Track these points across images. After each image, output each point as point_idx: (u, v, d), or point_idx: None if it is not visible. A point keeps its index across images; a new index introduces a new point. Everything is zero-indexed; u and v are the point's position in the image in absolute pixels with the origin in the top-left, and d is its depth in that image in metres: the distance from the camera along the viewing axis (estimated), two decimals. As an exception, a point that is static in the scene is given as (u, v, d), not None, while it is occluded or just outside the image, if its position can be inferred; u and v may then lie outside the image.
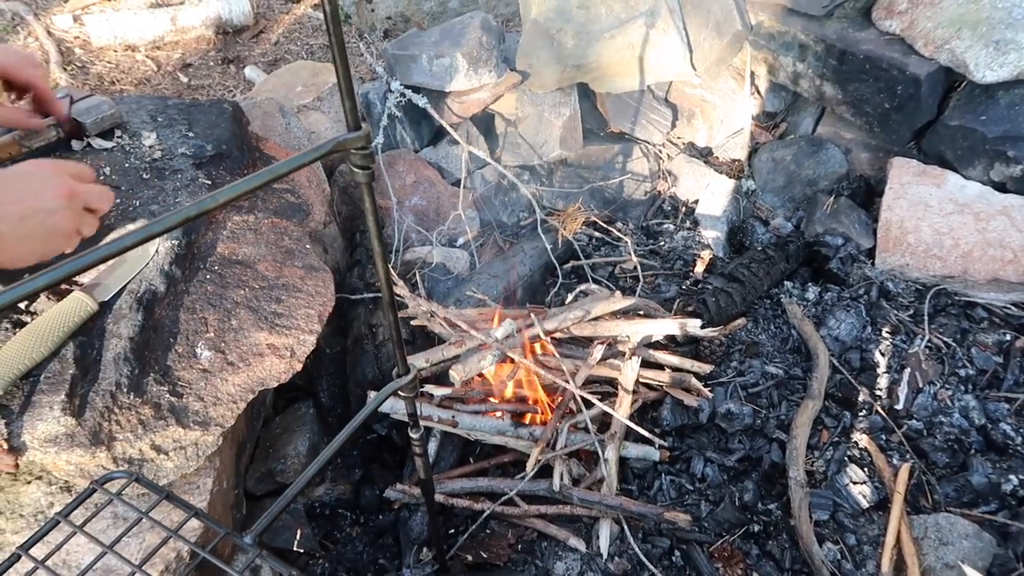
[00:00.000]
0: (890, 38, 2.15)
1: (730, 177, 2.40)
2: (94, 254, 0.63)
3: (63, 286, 1.38)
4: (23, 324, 1.32)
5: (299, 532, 1.56)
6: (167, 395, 1.34)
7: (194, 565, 0.91)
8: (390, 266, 1.75)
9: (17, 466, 1.24)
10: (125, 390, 1.30)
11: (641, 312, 1.77)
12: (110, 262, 1.42)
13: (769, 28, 2.34)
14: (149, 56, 3.14)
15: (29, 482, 1.28)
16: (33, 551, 0.86)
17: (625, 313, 1.75)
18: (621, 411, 1.58)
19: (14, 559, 0.88)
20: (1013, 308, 1.95)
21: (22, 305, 1.34)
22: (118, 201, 1.54)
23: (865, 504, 1.59)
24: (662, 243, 2.25)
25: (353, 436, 1.76)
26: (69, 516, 0.93)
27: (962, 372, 1.83)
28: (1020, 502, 1.60)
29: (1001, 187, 2.03)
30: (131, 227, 1.49)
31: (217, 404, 1.36)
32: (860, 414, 1.74)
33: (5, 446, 1.21)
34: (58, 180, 0.97)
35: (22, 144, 1.40)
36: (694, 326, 1.66)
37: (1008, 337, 1.89)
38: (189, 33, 3.22)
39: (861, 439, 1.69)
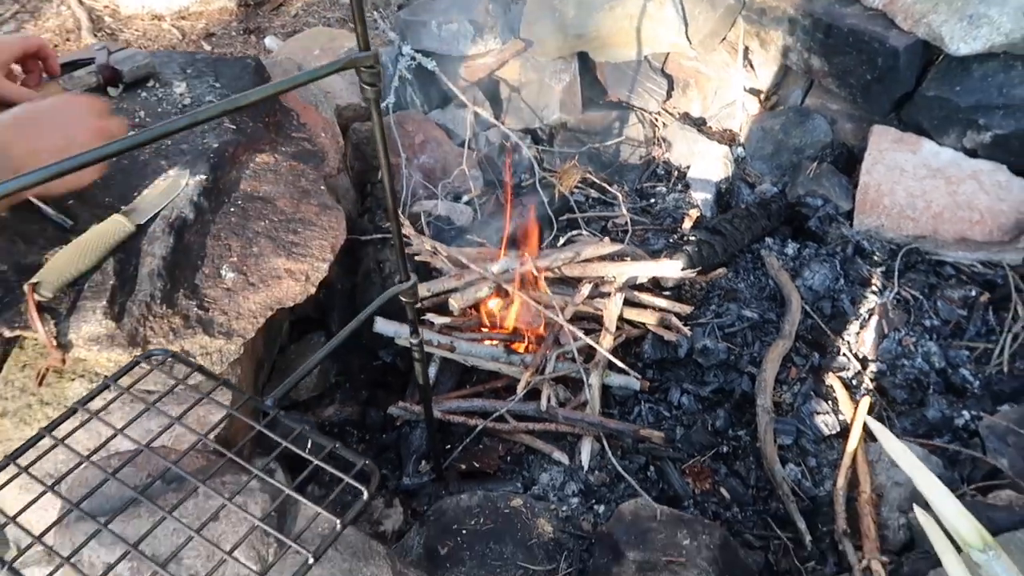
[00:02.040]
0: (873, 13, 2.28)
1: (721, 144, 2.54)
2: (149, 132, 0.78)
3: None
4: (68, 241, 1.48)
5: (310, 445, 1.72)
6: (195, 308, 1.50)
7: (222, 422, 1.07)
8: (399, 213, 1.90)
9: (64, 361, 1.40)
10: (158, 301, 1.46)
11: (628, 257, 1.92)
12: (146, 190, 1.59)
13: (761, 3, 2.47)
14: (174, 25, 3.31)
15: (73, 379, 1.44)
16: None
17: (613, 258, 1.90)
18: (604, 343, 1.73)
19: (71, 412, 1.04)
20: (979, 266, 2.09)
21: (68, 225, 1.51)
22: (152, 140, 1.70)
23: (827, 432, 1.73)
24: (654, 202, 2.40)
25: (360, 362, 1.92)
26: (117, 381, 1.09)
27: (927, 323, 1.97)
28: (971, 435, 1.74)
29: (972, 153, 2.16)
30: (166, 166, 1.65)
31: (239, 318, 1.52)
32: (828, 355, 1.88)
33: (54, 343, 1.37)
34: (89, 119, 1.07)
35: (65, 88, 1.55)
36: (674, 268, 1.80)
37: (973, 293, 2.02)
38: (212, 4, 3.38)
39: (827, 376, 1.83)
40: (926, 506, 0.97)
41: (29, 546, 0.89)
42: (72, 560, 0.87)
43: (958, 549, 0.95)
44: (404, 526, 1.60)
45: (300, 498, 0.91)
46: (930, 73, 2.25)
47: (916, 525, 1.51)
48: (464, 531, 1.48)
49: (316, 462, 0.97)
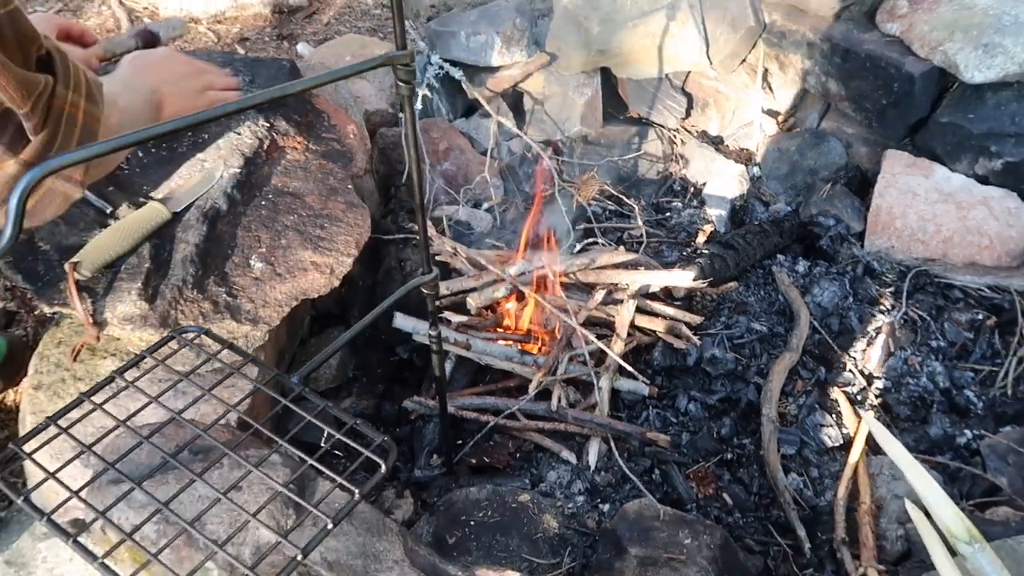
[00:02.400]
0: (890, 40, 2.34)
1: (738, 163, 2.59)
2: (201, 115, 0.85)
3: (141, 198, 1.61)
4: (107, 225, 1.56)
5: (327, 434, 1.78)
6: (224, 295, 1.56)
7: (251, 395, 1.12)
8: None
9: (99, 338, 1.47)
10: (190, 286, 1.53)
11: (641, 266, 1.97)
12: (182, 180, 1.66)
13: (781, 27, 2.53)
14: (210, 29, 3.41)
15: (105, 357, 1.51)
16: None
17: (627, 266, 1.95)
18: (615, 348, 1.78)
19: (109, 380, 1.10)
20: (987, 290, 2.12)
21: (108, 210, 1.58)
22: (190, 135, 1.78)
23: (830, 444, 1.77)
24: (670, 216, 2.45)
25: (378, 357, 1.98)
26: (153, 354, 1.15)
27: (933, 343, 2.00)
28: (972, 454, 1.77)
29: (983, 180, 2.20)
30: (202, 155, 1.73)
31: (266, 306, 1.58)
32: (834, 370, 1.92)
33: (91, 320, 1.44)
34: (183, 58, 1.35)
35: (107, 51, 1.60)
36: (686, 278, 1.85)
37: (980, 316, 2.05)
38: (248, 10, 3.49)
39: (832, 390, 1.87)
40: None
41: (67, 500, 0.94)
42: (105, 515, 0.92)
43: (952, 553, 0.99)
44: (414, 516, 1.65)
45: (320, 467, 0.96)
46: (945, 100, 2.30)
47: (914, 536, 1.55)
48: (472, 522, 1.52)
49: (338, 436, 1.02)
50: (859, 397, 1.88)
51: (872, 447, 1.75)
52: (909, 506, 0.94)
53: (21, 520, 1.64)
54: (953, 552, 1.04)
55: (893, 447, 0.94)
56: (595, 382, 1.75)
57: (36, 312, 2.22)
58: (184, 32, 1.79)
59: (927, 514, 0.99)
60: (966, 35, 2.15)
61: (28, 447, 0.98)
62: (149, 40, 1.73)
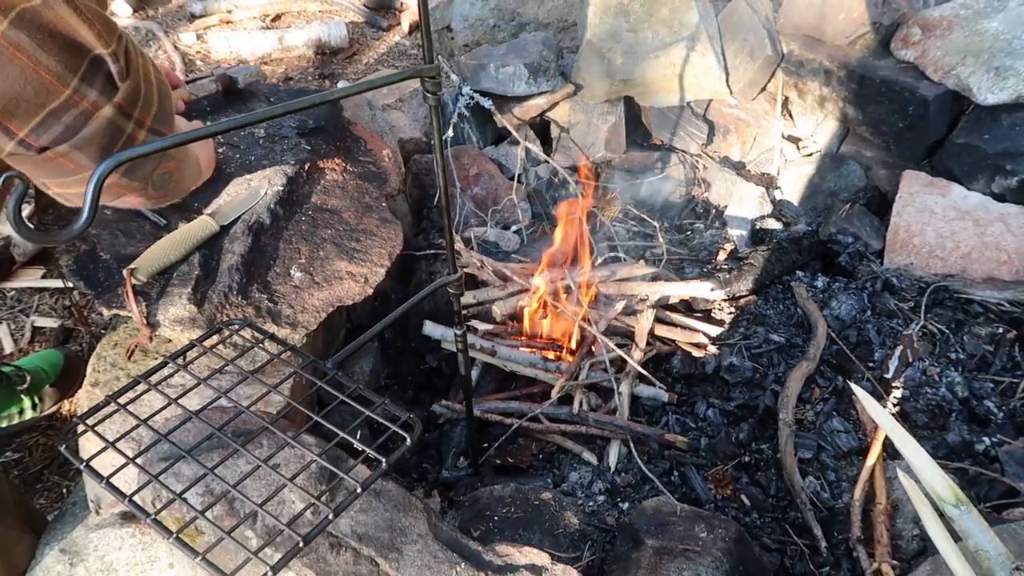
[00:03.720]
0: (905, 66, 2.42)
1: (758, 186, 2.67)
2: (252, 116, 0.96)
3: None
4: (161, 236, 1.69)
5: (359, 434, 1.87)
6: (266, 301, 1.68)
7: (289, 377, 1.22)
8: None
9: (151, 339, 1.60)
10: (235, 292, 1.65)
11: (661, 279, 2.05)
12: (230, 197, 1.79)
13: (799, 56, 2.63)
14: (257, 69, 3.63)
15: (156, 358, 1.63)
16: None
17: (646, 279, 2.03)
18: (634, 356, 1.85)
19: (162, 364, 1.21)
20: (1006, 304, 2.15)
21: (162, 223, 1.72)
22: (238, 156, 1.93)
23: (846, 449, 1.81)
24: (691, 236, 2.53)
25: (409, 365, 2.07)
26: (202, 343, 1.26)
27: (952, 355, 2.03)
28: (991, 460, 1.79)
29: (1000, 198, 2.25)
30: (251, 176, 1.86)
31: (304, 312, 1.69)
32: (851, 378, 1.96)
33: (145, 321, 1.57)
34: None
35: (192, 94, 1.78)
36: (704, 288, 1.93)
37: (1000, 330, 2.08)
38: (292, 52, 3.70)
39: (850, 398, 1.91)
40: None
41: (124, 465, 1.04)
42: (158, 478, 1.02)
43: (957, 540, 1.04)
44: (440, 513, 1.73)
45: (352, 440, 1.05)
46: (961, 122, 2.36)
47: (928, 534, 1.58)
48: (496, 517, 1.59)
49: (368, 413, 1.12)
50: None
51: (889, 452, 1.78)
52: (900, 473, 0.99)
53: (75, 513, 1.75)
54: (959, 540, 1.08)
55: (874, 408, 1.00)
56: (615, 387, 1.82)
57: (92, 328, 2.37)
58: (259, 77, 1.98)
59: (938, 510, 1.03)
60: (978, 59, 2.22)
61: (89, 423, 1.09)
62: (228, 84, 1.93)
